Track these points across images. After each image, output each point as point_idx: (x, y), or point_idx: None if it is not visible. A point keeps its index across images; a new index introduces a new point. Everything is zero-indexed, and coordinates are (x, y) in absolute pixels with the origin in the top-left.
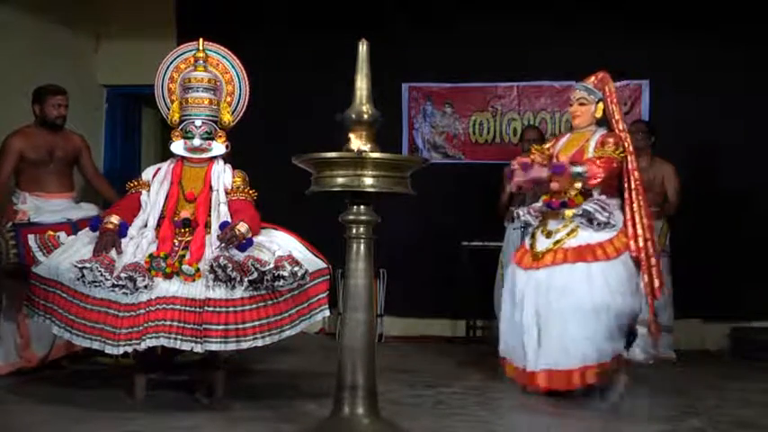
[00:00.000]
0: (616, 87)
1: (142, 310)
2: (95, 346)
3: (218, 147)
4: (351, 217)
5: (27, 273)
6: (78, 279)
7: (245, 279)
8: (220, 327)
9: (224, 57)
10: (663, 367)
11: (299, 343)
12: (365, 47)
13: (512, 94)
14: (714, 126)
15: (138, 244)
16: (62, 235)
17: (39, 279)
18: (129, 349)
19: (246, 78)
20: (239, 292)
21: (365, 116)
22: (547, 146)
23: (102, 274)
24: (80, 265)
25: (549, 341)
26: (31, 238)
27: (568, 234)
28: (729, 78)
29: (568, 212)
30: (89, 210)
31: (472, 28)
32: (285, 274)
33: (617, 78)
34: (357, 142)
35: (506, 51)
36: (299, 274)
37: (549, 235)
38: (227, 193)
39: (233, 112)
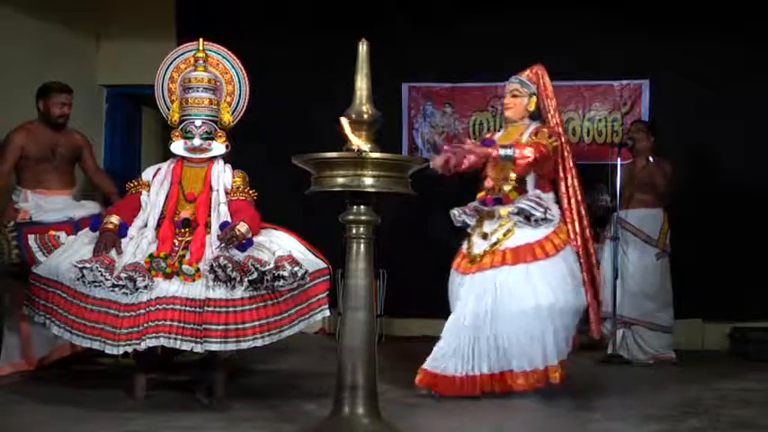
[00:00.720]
0: (620, 86)
1: (142, 311)
2: (95, 346)
3: (218, 147)
4: (351, 217)
5: (27, 274)
6: (78, 279)
7: (246, 279)
8: (220, 327)
9: (224, 57)
10: (663, 367)
11: (299, 343)
12: (365, 47)
13: None
14: (714, 126)
15: (138, 244)
16: (62, 235)
17: (39, 279)
18: (129, 349)
19: (246, 78)
20: (239, 292)
21: (365, 116)
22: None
23: (102, 274)
24: (80, 265)
25: (492, 346)
26: (31, 238)
27: (505, 234)
28: (730, 78)
29: (503, 211)
30: (91, 208)
31: (472, 28)
32: (285, 274)
33: (617, 78)
34: (358, 142)
35: (506, 51)
36: (299, 275)
37: (485, 236)
38: (227, 193)
39: (233, 113)
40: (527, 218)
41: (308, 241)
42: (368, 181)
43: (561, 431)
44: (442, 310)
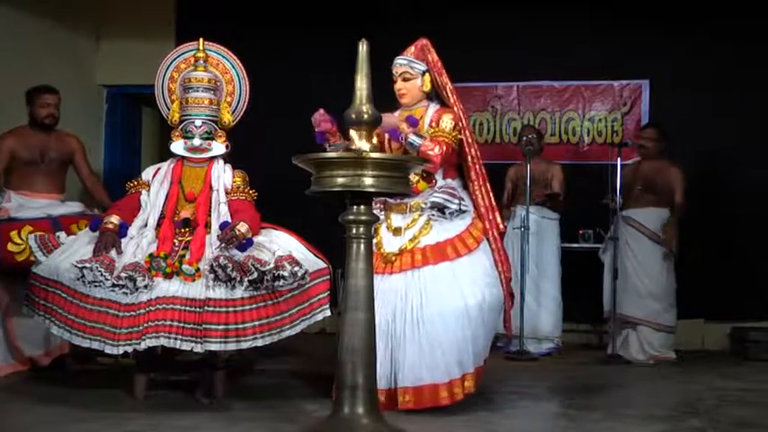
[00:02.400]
0: (620, 86)
1: (142, 310)
2: (95, 346)
3: (218, 147)
4: (351, 217)
5: (2, 272)
6: (78, 279)
7: (246, 279)
8: (220, 327)
9: (224, 57)
10: (663, 367)
11: (299, 343)
12: (365, 47)
13: (512, 94)
14: (714, 126)
15: (138, 244)
16: (62, 235)
17: (38, 279)
18: (129, 349)
19: (246, 78)
20: (239, 292)
21: (365, 116)
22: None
23: (102, 274)
24: (80, 265)
25: (415, 354)
26: (31, 237)
27: (421, 230)
28: (730, 78)
29: (414, 204)
30: (72, 207)
31: (472, 28)
32: (285, 274)
33: (617, 78)
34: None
35: (506, 51)
36: (299, 275)
37: (396, 232)
38: (227, 192)
39: (233, 112)
40: (441, 211)
41: (307, 241)
42: (368, 181)
43: (562, 431)
44: None
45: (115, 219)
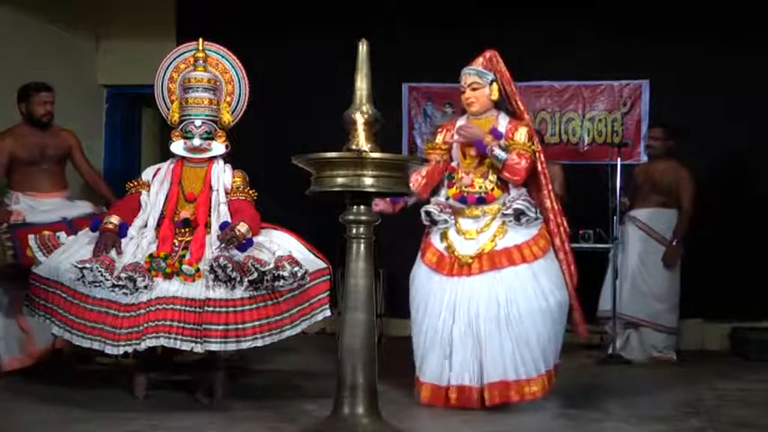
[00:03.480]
0: (620, 86)
1: (142, 310)
2: (95, 346)
3: (218, 147)
4: (351, 217)
5: (23, 273)
6: (78, 279)
7: (245, 279)
8: (220, 327)
9: (223, 57)
10: (663, 367)
11: (299, 343)
12: (365, 47)
13: None
14: (714, 126)
15: (138, 244)
16: (62, 235)
17: (39, 279)
18: (129, 349)
19: (246, 78)
20: (239, 293)
21: (365, 116)
22: (438, 139)
23: (102, 275)
24: (80, 266)
25: (501, 352)
26: (31, 237)
27: (495, 234)
28: (730, 78)
29: (488, 209)
30: (84, 207)
31: (472, 28)
32: (285, 274)
33: (617, 78)
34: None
35: (506, 51)
36: (299, 275)
37: (467, 236)
38: (226, 193)
39: (233, 112)
40: (517, 217)
41: (307, 241)
42: (368, 181)
43: (562, 431)
44: None
45: (115, 219)
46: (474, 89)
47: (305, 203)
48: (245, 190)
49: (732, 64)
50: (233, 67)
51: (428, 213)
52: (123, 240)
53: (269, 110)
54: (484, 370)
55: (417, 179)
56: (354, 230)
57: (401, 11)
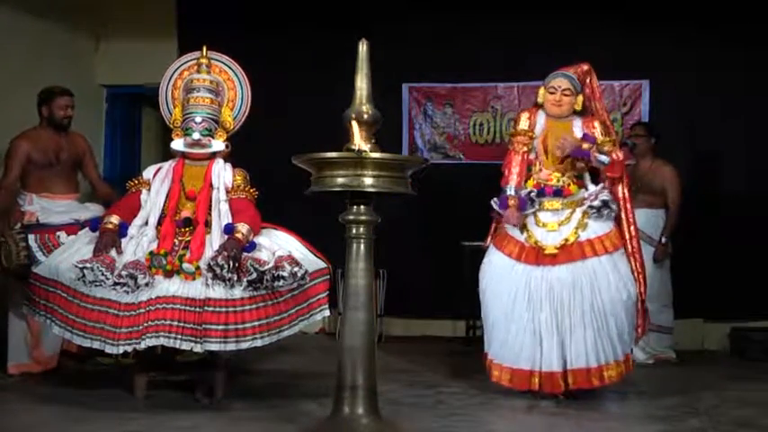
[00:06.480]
0: (620, 86)
1: (142, 310)
2: (95, 345)
3: (218, 143)
4: (351, 217)
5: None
6: (79, 279)
7: (244, 279)
8: (220, 327)
9: (226, 64)
10: (663, 367)
11: (299, 343)
12: (365, 47)
13: (512, 94)
14: (714, 126)
15: (139, 243)
16: (62, 235)
17: (39, 279)
18: (129, 349)
19: (249, 86)
20: (239, 293)
21: (365, 116)
22: (524, 125)
23: (103, 274)
24: (81, 265)
25: (586, 338)
26: (31, 238)
27: (578, 226)
28: (730, 78)
29: (568, 202)
30: (95, 211)
31: (472, 28)
32: (285, 274)
33: (617, 78)
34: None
35: (506, 51)
36: (299, 275)
37: (549, 227)
38: (227, 191)
39: (235, 118)
40: (598, 210)
41: (307, 241)
42: (368, 181)
43: (562, 431)
44: (442, 309)
45: (115, 219)
46: (566, 94)
47: (305, 203)
48: (246, 189)
49: (732, 64)
50: (236, 74)
51: (531, 200)
52: (123, 240)
53: (269, 110)
54: (567, 356)
55: (512, 176)
56: (354, 230)
57: (401, 10)
